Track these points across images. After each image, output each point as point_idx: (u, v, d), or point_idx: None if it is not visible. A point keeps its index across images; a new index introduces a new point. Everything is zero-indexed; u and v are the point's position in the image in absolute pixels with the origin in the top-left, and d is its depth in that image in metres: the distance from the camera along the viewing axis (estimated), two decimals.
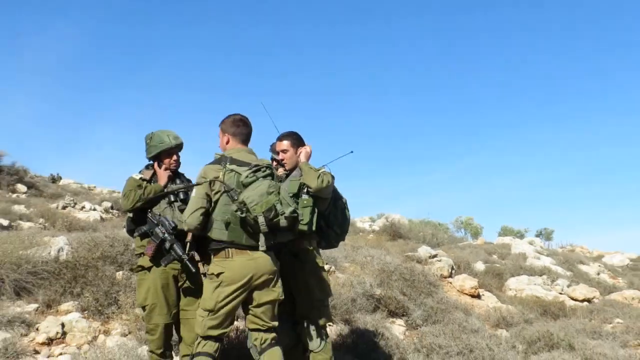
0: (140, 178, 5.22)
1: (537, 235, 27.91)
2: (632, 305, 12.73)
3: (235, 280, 4.45)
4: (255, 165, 4.59)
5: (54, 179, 22.29)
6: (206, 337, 4.50)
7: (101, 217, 13.81)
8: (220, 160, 4.69)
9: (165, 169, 5.29)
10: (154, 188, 5.19)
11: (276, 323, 4.71)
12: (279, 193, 4.46)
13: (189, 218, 4.50)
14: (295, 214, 4.55)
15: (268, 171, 4.56)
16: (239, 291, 4.49)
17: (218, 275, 4.47)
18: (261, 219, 4.28)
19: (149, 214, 5.17)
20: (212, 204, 4.53)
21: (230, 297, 4.47)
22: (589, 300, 12.48)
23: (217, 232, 4.50)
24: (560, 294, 12.56)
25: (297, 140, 5.20)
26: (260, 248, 4.50)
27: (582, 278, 15.25)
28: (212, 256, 4.63)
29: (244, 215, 4.31)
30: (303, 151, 5.13)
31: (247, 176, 4.44)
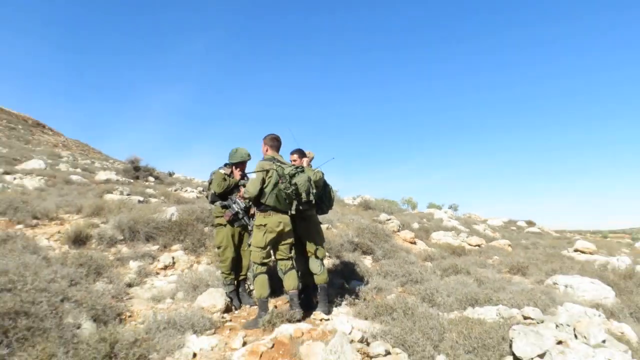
0: (224, 173, 5.31)
1: (449, 208, 27.76)
2: (504, 248, 12.79)
3: (273, 229, 4.63)
4: (293, 165, 4.80)
5: (170, 174, 22.31)
6: (260, 264, 4.65)
7: (197, 196, 13.87)
8: (271, 159, 4.77)
9: (239, 171, 5.38)
10: (233, 181, 5.30)
11: (293, 255, 4.90)
12: (310, 182, 4.68)
13: (252, 189, 4.59)
14: (318, 195, 4.86)
15: (302, 169, 4.75)
16: (275, 235, 4.66)
17: (264, 225, 4.63)
18: (304, 195, 4.61)
19: (230, 196, 5.27)
20: (266, 184, 4.61)
21: (271, 239, 4.65)
22: (479, 245, 12.47)
23: (269, 200, 4.62)
24: (463, 242, 12.56)
25: (301, 154, 5.27)
26: (292, 212, 4.70)
27: (475, 233, 15.25)
28: (258, 214, 4.74)
29: (290, 191, 4.56)
30: (305, 160, 5.21)
31: (290, 170, 4.63)
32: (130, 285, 5.53)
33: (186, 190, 14.53)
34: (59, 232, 6.93)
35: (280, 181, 4.59)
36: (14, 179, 12.45)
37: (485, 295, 5.52)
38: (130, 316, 4.61)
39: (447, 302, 5.46)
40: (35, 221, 7.35)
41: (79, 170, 16.94)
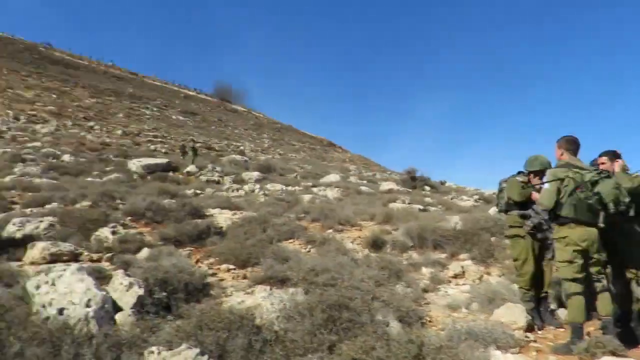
0: (521, 181, 4.90)
1: None
2: None
3: (577, 242, 3.96)
4: (596, 169, 4.07)
5: (442, 183, 22.65)
6: (572, 280, 4.04)
7: (473, 205, 13.53)
8: (565, 165, 4.15)
9: (538, 179, 4.81)
10: (530, 190, 4.80)
11: (603, 275, 4.14)
12: (618, 189, 3.86)
13: (546, 202, 4.07)
14: (631, 204, 3.92)
15: (607, 174, 3.96)
16: (579, 250, 3.98)
17: (564, 237, 4.02)
18: (611, 205, 3.82)
19: (532, 205, 4.77)
20: (562, 194, 4.01)
21: (574, 253, 3.98)
22: None
23: (566, 211, 3.99)
24: None
25: (613, 156, 4.38)
26: (600, 224, 3.93)
27: None
28: (558, 226, 4.11)
29: (592, 201, 3.85)
30: (617, 164, 4.30)
31: (592, 177, 3.92)
32: (425, 291, 5.65)
33: (462, 199, 14.38)
34: (359, 237, 7.81)
35: (579, 189, 3.94)
36: (319, 190, 14.84)
37: None
38: (430, 321, 4.72)
39: None
40: (340, 227, 8.51)
41: (364, 181, 19.00)
